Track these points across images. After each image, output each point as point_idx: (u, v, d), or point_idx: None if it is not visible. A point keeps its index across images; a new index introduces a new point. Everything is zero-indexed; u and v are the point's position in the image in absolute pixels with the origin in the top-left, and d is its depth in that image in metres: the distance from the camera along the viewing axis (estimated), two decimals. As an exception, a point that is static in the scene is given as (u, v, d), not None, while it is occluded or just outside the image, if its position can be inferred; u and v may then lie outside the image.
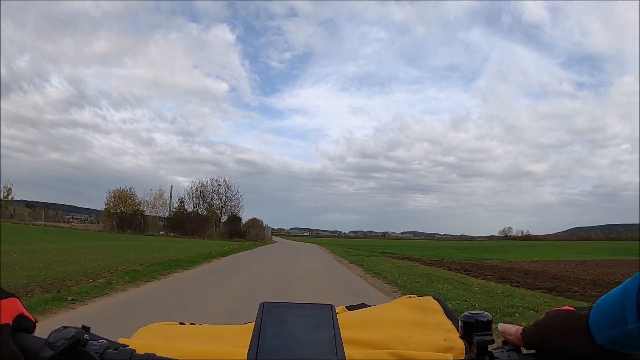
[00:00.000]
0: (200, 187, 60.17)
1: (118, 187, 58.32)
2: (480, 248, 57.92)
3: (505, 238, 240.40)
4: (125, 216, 55.45)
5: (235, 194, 60.90)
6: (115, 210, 56.23)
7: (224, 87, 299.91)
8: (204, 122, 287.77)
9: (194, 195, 59.70)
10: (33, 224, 53.87)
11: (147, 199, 58.67)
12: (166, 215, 58.76)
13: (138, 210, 56.98)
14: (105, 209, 57.95)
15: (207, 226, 53.65)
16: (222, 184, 60.56)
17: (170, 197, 59.42)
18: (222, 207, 60.10)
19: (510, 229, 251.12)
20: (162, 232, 53.64)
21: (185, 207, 58.97)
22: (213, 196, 60.10)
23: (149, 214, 58.48)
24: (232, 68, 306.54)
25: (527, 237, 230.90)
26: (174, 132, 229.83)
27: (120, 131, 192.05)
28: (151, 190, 66.06)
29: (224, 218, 60.28)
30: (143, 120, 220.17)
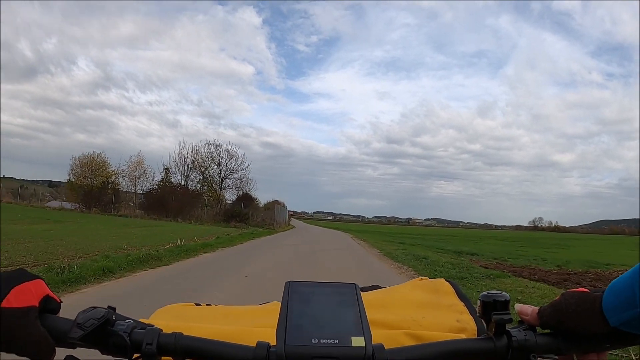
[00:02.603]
0: (193, 152, 42.46)
1: (86, 153, 41.77)
2: (533, 241, 46.18)
3: (534, 229, 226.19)
4: (93, 190, 39.52)
5: (240, 164, 43.67)
6: (81, 183, 40.32)
7: (249, 70, 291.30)
8: (230, 104, 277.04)
9: (181, 163, 42.28)
10: (31, 205, 40.29)
11: (123, 168, 42.27)
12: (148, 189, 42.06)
13: (109, 182, 40.66)
14: (68, 180, 41.53)
15: (197, 205, 37.09)
16: (222, 150, 43.24)
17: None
18: (221, 181, 42.81)
19: (540, 219, 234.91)
20: (137, 212, 37.48)
21: (172, 179, 41.99)
22: (209, 165, 42.64)
23: (125, 188, 42.15)
24: (258, 51, 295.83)
25: (556, 229, 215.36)
26: (199, 114, 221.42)
27: (146, 113, 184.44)
28: (130, 157, 47.55)
29: (230, 196, 43.47)
30: (169, 102, 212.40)
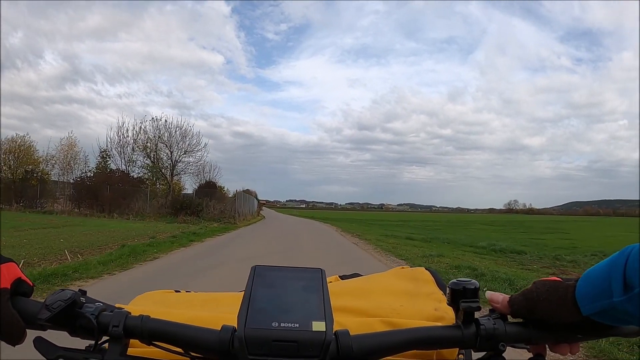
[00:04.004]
0: (135, 131, 32.83)
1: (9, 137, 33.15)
2: (520, 224, 47.61)
3: (509, 211, 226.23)
4: (15, 182, 31.25)
5: (196, 144, 33.51)
6: (4, 174, 31.75)
7: (219, 59, 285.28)
8: (200, 94, 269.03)
9: (121, 144, 32.84)
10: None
11: (53, 154, 33.63)
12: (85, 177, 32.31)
13: (34, 172, 32.52)
14: (-16, 170, 32.79)
15: (139, 196, 28.56)
16: (173, 127, 32.65)
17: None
18: (172, 166, 32.76)
19: (516, 202, 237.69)
20: (65, 207, 29.44)
21: (112, 165, 33.28)
22: (157, 147, 32.49)
23: (56, 177, 33.58)
24: (227, 40, 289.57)
25: (530, 211, 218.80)
26: (169, 105, 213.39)
27: (115, 106, 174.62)
28: (61, 140, 35.79)
29: (191, 185, 35.61)
30: (138, 94, 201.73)
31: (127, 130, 32.96)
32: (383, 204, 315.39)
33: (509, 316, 0.71)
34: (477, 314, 0.69)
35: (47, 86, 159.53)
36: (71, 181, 32.42)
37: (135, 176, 32.76)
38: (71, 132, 34.90)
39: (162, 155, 32.84)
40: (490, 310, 0.72)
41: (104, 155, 33.26)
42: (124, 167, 32.73)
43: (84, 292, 0.66)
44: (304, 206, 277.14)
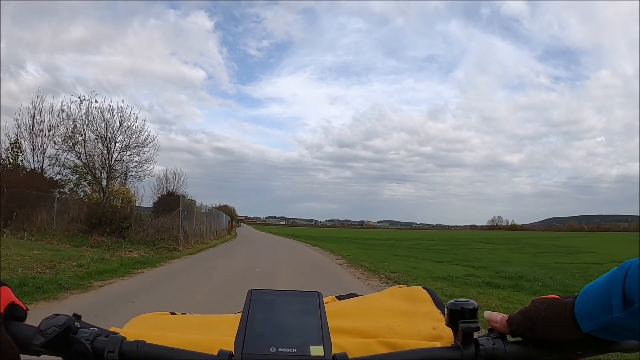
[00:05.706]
0: (51, 115, 23.22)
1: None
2: (518, 241, 46.73)
3: (492, 227, 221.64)
4: None
5: (142, 139, 22.97)
6: None
7: (201, 74, 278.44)
8: (181, 110, 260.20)
9: (33, 132, 23.08)
10: None
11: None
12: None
13: None
14: None
15: (44, 206, 18.81)
16: (109, 112, 22.17)
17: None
18: (109, 165, 22.25)
19: (500, 218, 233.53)
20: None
21: (24, 162, 23.48)
22: (86, 138, 21.91)
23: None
24: (209, 55, 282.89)
25: (513, 227, 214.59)
26: (150, 119, 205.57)
27: None
28: None
29: (150, 197, 27.02)
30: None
31: (42, 113, 23.29)
32: (363, 221, 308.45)
33: (508, 335, 0.70)
34: (476, 334, 0.68)
35: (27, 97, 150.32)
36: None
37: (54, 178, 23.33)
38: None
39: (92, 151, 22.70)
40: (489, 330, 0.72)
41: (14, 148, 23.52)
42: (37, 165, 23.26)
43: (78, 317, 0.64)
44: (283, 223, 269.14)
